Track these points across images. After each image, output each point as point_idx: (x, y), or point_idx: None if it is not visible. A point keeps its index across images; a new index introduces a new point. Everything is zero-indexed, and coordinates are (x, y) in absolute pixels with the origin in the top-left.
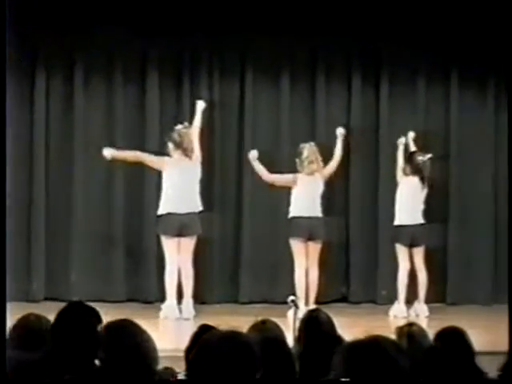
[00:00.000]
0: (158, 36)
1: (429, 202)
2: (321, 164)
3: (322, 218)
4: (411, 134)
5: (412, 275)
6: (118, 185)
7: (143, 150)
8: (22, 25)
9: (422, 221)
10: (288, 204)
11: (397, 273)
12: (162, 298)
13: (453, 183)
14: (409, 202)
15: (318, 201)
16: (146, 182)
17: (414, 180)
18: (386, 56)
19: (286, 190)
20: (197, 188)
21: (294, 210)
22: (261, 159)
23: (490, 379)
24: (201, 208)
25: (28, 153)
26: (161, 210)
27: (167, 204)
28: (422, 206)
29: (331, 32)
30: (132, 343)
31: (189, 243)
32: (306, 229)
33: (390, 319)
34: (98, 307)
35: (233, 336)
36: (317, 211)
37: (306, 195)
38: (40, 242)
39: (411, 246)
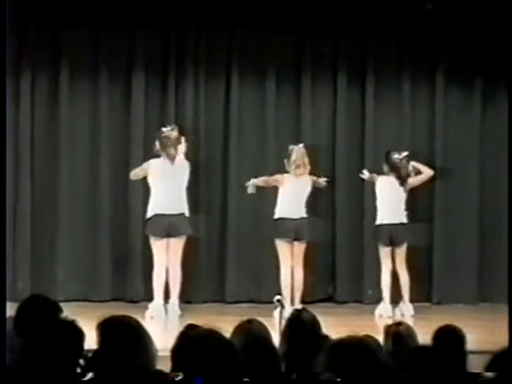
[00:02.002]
0: (143, 35)
1: (414, 201)
2: (308, 166)
3: (307, 219)
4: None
5: (395, 275)
6: (104, 184)
7: (128, 150)
8: (6, 24)
9: (404, 220)
10: (273, 204)
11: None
12: (147, 297)
13: (437, 182)
14: (386, 200)
15: (304, 202)
16: (132, 183)
17: (391, 179)
18: (371, 55)
19: (271, 191)
20: (183, 189)
21: (280, 211)
22: (246, 159)
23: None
24: (187, 210)
25: (13, 153)
26: (149, 212)
27: (155, 205)
28: (403, 205)
29: (317, 31)
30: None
31: (178, 244)
32: (291, 229)
33: (375, 319)
34: (84, 306)
35: (211, 334)
36: (302, 212)
37: (292, 196)
38: (25, 242)
39: (393, 245)
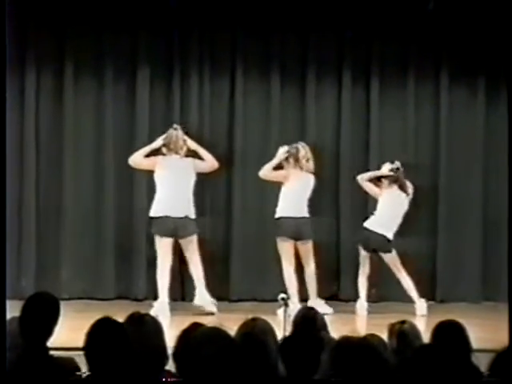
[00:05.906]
0: (147, 33)
1: (417, 202)
2: (312, 162)
3: (310, 218)
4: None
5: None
6: (109, 182)
7: (133, 146)
8: (11, 21)
9: (395, 229)
10: (276, 204)
11: (384, 272)
12: (151, 295)
13: (441, 181)
14: (390, 213)
15: (306, 200)
16: (136, 181)
17: (394, 190)
18: (376, 54)
19: (275, 190)
20: (190, 191)
21: (282, 210)
22: (251, 158)
23: (483, 378)
24: (193, 212)
25: (18, 150)
26: (154, 211)
27: (160, 206)
28: (401, 218)
29: (322, 30)
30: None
31: (190, 243)
32: (293, 228)
33: (379, 317)
34: (88, 304)
35: (215, 332)
36: (304, 211)
37: (295, 194)
38: (30, 240)
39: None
